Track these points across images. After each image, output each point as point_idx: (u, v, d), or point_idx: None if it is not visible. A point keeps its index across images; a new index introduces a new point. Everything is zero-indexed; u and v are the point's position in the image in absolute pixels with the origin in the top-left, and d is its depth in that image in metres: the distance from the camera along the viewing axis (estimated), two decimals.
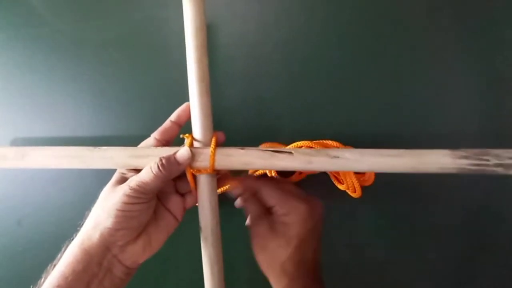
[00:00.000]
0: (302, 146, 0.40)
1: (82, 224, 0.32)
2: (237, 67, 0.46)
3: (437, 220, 0.45)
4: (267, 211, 0.35)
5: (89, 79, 0.47)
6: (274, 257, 0.33)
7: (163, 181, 0.31)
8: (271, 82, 0.45)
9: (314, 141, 0.40)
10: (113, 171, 0.36)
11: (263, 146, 0.41)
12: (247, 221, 0.36)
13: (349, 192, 0.42)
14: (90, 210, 0.33)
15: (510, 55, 0.45)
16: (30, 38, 0.47)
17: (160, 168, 0.31)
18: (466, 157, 0.31)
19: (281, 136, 0.45)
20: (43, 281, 0.30)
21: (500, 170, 0.31)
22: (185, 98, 0.39)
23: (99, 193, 0.34)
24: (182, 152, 0.33)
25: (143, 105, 0.46)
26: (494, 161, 0.31)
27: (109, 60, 0.47)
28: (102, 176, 0.36)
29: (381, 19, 0.46)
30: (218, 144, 0.34)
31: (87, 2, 0.48)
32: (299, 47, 0.46)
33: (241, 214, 0.37)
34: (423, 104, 0.45)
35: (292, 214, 0.33)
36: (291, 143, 0.42)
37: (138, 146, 0.36)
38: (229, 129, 0.38)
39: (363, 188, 0.41)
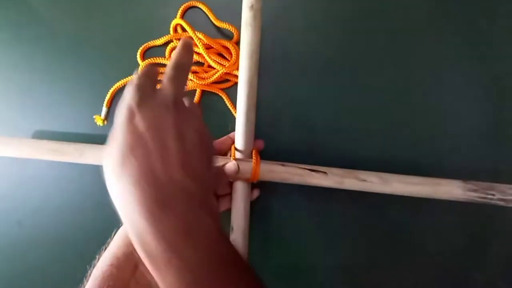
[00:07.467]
0: None
1: None
2: None
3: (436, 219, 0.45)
4: None
5: (89, 79, 0.47)
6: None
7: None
8: (270, 83, 0.45)
9: None
10: None
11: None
12: None
13: None
14: None
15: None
16: (30, 38, 0.47)
17: None
18: (474, 190, 0.36)
19: (278, 141, 0.44)
20: (97, 261, 0.32)
21: (502, 203, 0.36)
22: None
23: (99, 193, 0.34)
24: (230, 166, 0.36)
25: None
26: (498, 195, 0.35)
27: (109, 60, 0.47)
28: (102, 176, 0.36)
29: (381, 20, 0.46)
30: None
31: (87, 2, 0.48)
32: (299, 47, 0.46)
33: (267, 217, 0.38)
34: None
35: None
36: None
37: None
38: None
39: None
